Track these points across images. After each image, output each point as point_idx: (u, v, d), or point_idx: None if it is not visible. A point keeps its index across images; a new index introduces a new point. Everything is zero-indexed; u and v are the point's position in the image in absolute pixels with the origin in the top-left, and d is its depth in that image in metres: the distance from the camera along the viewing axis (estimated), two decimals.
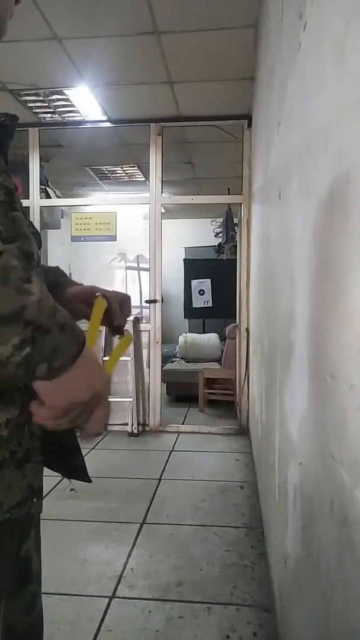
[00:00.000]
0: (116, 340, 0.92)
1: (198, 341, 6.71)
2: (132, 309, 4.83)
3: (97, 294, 0.93)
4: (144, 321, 4.79)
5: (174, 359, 6.51)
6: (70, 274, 0.95)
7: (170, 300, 7.33)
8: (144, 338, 4.73)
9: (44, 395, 0.66)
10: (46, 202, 4.78)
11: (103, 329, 0.97)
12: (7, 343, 0.58)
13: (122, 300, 0.98)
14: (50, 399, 0.67)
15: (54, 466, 0.89)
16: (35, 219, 4.71)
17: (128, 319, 1.02)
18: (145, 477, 3.39)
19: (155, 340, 4.70)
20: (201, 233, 7.59)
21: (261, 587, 2.05)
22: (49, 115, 4.43)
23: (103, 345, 4.57)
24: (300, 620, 1.23)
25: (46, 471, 0.88)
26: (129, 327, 4.61)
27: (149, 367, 4.73)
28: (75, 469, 0.92)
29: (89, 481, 0.92)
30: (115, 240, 4.86)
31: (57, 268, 1.03)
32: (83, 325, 0.76)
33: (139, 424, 4.61)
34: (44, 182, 4.77)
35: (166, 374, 5.50)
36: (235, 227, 5.29)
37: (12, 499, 0.75)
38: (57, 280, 0.98)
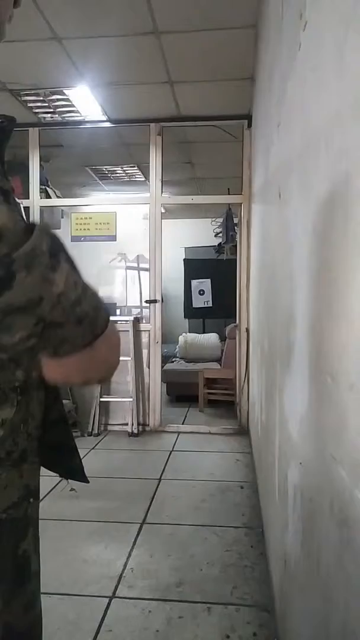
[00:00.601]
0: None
1: (198, 341, 6.71)
2: (132, 309, 4.87)
3: None
4: (144, 321, 4.79)
5: (174, 359, 6.51)
6: None
7: (170, 300, 7.33)
8: (144, 338, 4.73)
9: (45, 365, 0.65)
10: (46, 202, 4.78)
11: None
12: (14, 334, 0.56)
13: None
14: (47, 372, 0.66)
15: (51, 467, 0.89)
16: (35, 219, 4.70)
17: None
18: (145, 477, 3.39)
19: (155, 340, 4.70)
20: (201, 233, 7.59)
21: (261, 587, 2.05)
22: (49, 115, 4.43)
23: None
24: (300, 620, 1.23)
25: (46, 471, 0.88)
26: (129, 327, 4.61)
27: (149, 367, 4.73)
28: (72, 470, 0.92)
29: (87, 482, 0.92)
30: (115, 240, 4.86)
31: None
32: None
33: (139, 424, 4.61)
34: (44, 182, 4.77)
35: (166, 374, 5.50)
36: (235, 227, 5.29)
37: (9, 499, 0.75)
38: None
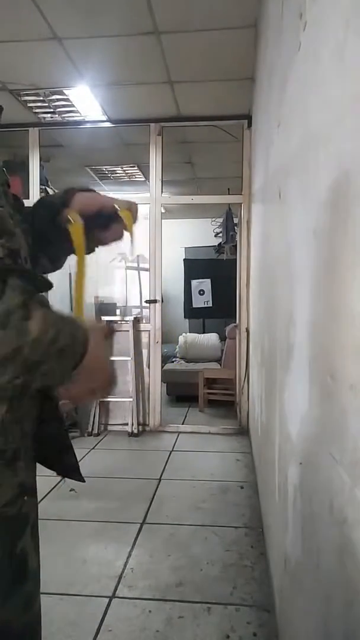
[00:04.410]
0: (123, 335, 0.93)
1: (198, 341, 6.71)
2: (132, 309, 4.90)
3: (68, 217, 0.88)
4: (144, 321, 4.79)
5: (174, 359, 6.51)
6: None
7: (170, 300, 7.33)
8: (144, 338, 4.72)
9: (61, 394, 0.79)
10: None
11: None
12: (3, 375, 0.65)
13: (130, 207, 0.93)
14: (66, 396, 0.79)
15: (47, 465, 0.89)
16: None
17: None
18: (145, 477, 3.39)
19: (155, 340, 4.70)
20: (201, 233, 7.59)
21: (261, 587, 2.05)
22: (49, 115, 4.43)
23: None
24: (300, 620, 1.23)
25: (46, 472, 0.88)
26: (129, 327, 4.61)
27: (149, 367, 4.73)
28: (68, 468, 0.92)
29: (82, 480, 0.92)
30: None
31: (60, 193, 0.96)
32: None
33: (139, 424, 4.61)
34: (44, 182, 4.76)
35: (166, 374, 5.50)
36: (235, 227, 5.30)
37: (3, 497, 0.75)
38: (53, 211, 0.93)
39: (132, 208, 0.94)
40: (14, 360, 0.64)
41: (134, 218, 0.94)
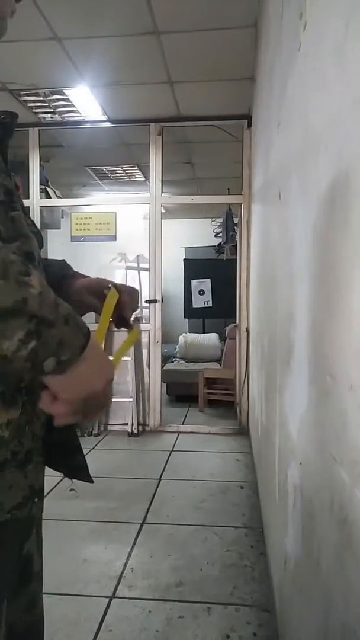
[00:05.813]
0: (121, 334, 0.90)
1: (198, 341, 6.71)
2: None
3: (108, 286, 0.92)
4: (144, 321, 4.79)
5: (174, 359, 6.51)
6: None
7: (170, 300, 7.32)
8: (144, 338, 4.73)
9: (59, 390, 0.65)
10: (46, 202, 4.78)
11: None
12: (13, 337, 0.57)
13: (131, 293, 0.96)
14: (66, 393, 0.66)
15: (55, 466, 0.89)
16: (35, 219, 4.71)
17: (135, 313, 1.00)
18: (145, 477, 3.39)
19: (155, 340, 4.70)
20: (201, 233, 7.59)
21: (261, 587, 2.05)
22: (49, 115, 4.43)
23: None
24: (300, 620, 1.23)
25: (47, 471, 0.88)
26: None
27: (149, 367, 4.73)
28: (76, 469, 0.92)
29: (91, 481, 0.92)
30: (115, 240, 4.86)
31: (62, 261, 1.03)
32: (89, 317, 0.79)
33: (139, 424, 4.61)
34: (44, 182, 4.77)
35: (166, 374, 5.50)
36: (235, 227, 5.29)
37: (14, 499, 0.75)
38: (62, 273, 0.98)
39: (132, 294, 0.95)
40: (20, 314, 0.57)
41: (131, 306, 0.95)
